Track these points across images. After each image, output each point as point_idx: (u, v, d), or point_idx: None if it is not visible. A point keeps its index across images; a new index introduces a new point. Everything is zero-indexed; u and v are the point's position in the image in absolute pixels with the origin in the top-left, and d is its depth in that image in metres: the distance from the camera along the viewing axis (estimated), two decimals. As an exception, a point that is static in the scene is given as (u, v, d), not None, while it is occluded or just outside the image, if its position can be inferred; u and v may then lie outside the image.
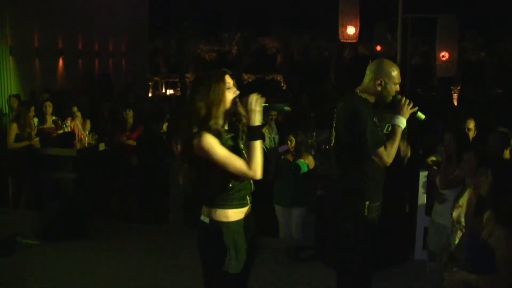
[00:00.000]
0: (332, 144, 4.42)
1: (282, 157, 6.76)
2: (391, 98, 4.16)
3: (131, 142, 8.85)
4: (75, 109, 9.34)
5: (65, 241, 6.69)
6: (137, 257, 6.39)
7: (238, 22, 27.15)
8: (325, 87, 19.54)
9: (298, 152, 6.66)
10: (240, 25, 27.44)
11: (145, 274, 5.92)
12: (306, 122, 9.39)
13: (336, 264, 4.78)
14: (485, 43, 25.88)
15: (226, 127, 3.28)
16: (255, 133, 3.20)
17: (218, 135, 3.18)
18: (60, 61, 13.95)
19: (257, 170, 3.20)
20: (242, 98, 3.26)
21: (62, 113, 9.40)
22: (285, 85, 25.92)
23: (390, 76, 4.11)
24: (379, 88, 4.13)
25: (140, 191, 8.57)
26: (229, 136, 3.27)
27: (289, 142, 6.64)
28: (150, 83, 25.05)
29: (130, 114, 9.07)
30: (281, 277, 5.88)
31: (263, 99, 3.22)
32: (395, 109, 4.14)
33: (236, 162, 3.18)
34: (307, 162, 6.58)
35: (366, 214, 4.20)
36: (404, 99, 4.12)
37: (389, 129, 4.22)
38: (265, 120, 7.61)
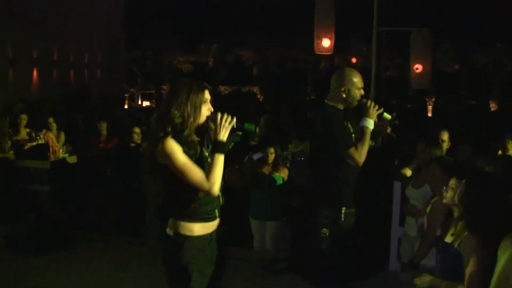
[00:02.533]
0: (309, 155, 4.58)
1: (258, 169, 6.72)
2: (356, 102, 4.40)
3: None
4: (51, 120, 9.25)
5: (40, 254, 6.60)
6: (113, 270, 6.32)
7: (214, 33, 27.15)
8: (303, 98, 19.66)
9: (276, 165, 6.63)
10: (217, 36, 27.44)
11: (122, 287, 5.85)
12: (284, 134, 9.38)
13: (312, 274, 4.83)
14: (458, 55, 26.23)
15: (194, 138, 3.27)
16: (219, 147, 3.21)
17: (185, 143, 3.16)
18: (35, 72, 13.82)
19: (214, 183, 3.16)
20: (212, 113, 3.27)
21: (37, 124, 9.31)
22: (261, 97, 25.96)
23: (352, 82, 4.38)
24: (344, 95, 4.38)
25: (115, 203, 8.49)
26: (195, 147, 3.25)
27: (269, 155, 6.55)
28: (126, 95, 24.92)
29: (104, 126, 9.02)
30: (257, 289, 5.87)
31: (235, 119, 3.24)
32: (362, 112, 4.35)
33: (194, 172, 3.14)
34: (282, 175, 6.56)
35: (343, 219, 4.31)
36: (369, 102, 4.36)
37: None
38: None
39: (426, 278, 3.34)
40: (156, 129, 3.20)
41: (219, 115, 3.22)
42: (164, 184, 3.24)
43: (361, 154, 4.26)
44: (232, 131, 3.26)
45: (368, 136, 4.30)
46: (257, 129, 3.44)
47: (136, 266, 6.44)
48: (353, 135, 4.41)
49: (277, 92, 23.73)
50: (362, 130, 4.33)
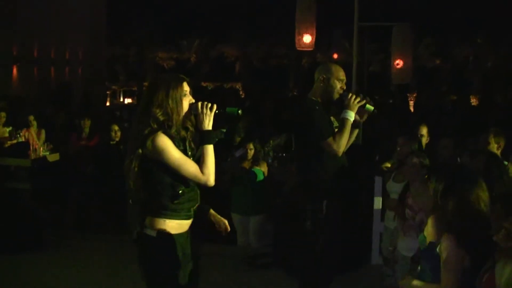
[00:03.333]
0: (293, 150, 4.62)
1: (239, 164, 6.75)
2: (337, 94, 4.43)
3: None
4: (31, 118, 9.18)
5: (21, 253, 6.55)
6: (95, 268, 6.29)
7: (197, 29, 27.07)
8: (285, 94, 19.66)
9: (256, 160, 6.66)
10: (199, 32, 27.37)
11: (104, 285, 5.84)
12: (266, 129, 9.40)
13: (296, 268, 4.85)
14: (440, 50, 26.41)
15: (182, 132, 3.24)
16: (207, 137, 3.19)
17: (174, 138, 3.14)
18: (15, 69, 13.67)
19: (210, 174, 3.17)
20: (193, 104, 3.25)
21: (17, 122, 9.23)
22: (243, 93, 25.94)
23: (331, 72, 4.43)
24: (322, 84, 4.43)
25: (97, 200, 8.45)
26: (183, 142, 3.23)
27: (249, 151, 6.60)
28: (108, 92, 24.76)
29: (87, 124, 8.96)
30: (240, 284, 5.87)
31: (215, 105, 3.22)
32: (343, 104, 4.38)
33: (189, 165, 3.13)
34: (263, 169, 6.59)
35: (324, 212, 4.37)
36: (350, 94, 4.39)
37: None
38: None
39: (411, 281, 3.33)
40: (139, 128, 3.15)
41: (199, 104, 3.20)
42: (148, 181, 3.19)
43: (339, 144, 4.30)
44: (215, 117, 3.23)
45: (348, 127, 4.32)
46: (240, 112, 3.40)
47: (117, 264, 6.41)
48: (336, 129, 4.44)
49: (259, 88, 23.70)
50: (342, 121, 4.36)
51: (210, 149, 3.18)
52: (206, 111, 3.18)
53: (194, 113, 3.23)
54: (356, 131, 4.53)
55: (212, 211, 3.54)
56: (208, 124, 3.19)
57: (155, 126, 3.11)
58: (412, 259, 4.02)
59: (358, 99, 4.36)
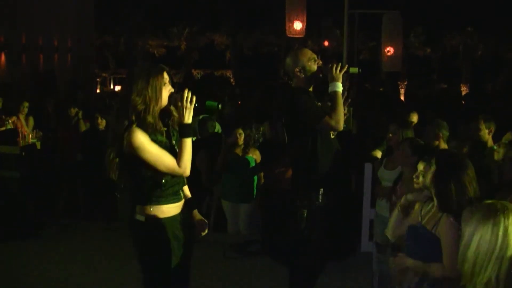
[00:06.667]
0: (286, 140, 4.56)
1: (231, 152, 6.72)
2: (319, 73, 4.38)
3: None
4: (26, 104, 9.13)
5: (11, 240, 6.53)
6: (85, 256, 6.28)
7: (186, 17, 26.91)
8: (275, 81, 19.64)
9: (247, 147, 6.64)
10: (189, 20, 27.21)
11: (94, 273, 5.82)
12: (258, 116, 9.37)
13: (287, 256, 4.85)
14: (430, 38, 26.44)
15: (160, 123, 3.26)
16: (186, 130, 3.22)
17: (151, 130, 3.17)
18: (3, 56, 13.55)
19: (186, 167, 3.24)
20: (173, 95, 3.26)
21: (5, 109, 9.16)
22: (234, 81, 25.87)
23: (301, 60, 4.37)
24: (302, 75, 4.37)
25: (86, 188, 8.41)
26: (161, 132, 3.26)
27: (238, 135, 6.57)
28: (98, 79, 24.60)
29: (74, 111, 8.90)
30: (230, 271, 5.88)
31: (194, 97, 3.22)
32: (328, 78, 4.32)
33: (165, 160, 3.19)
34: (255, 157, 6.58)
35: (320, 200, 4.30)
36: (330, 65, 4.32)
37: None
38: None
39: (403, 259, 3.36)
40: (119, 118, 3.19)
41: (179, 96, 3.21)
42: (130, 171, 3.25)
43: (337, 120, 4.21)
44: (195, 110, 3.24)
45: (339, 100, 4.25)
46: (220, 106, 3.39)
47: (107, 250, 6.40)
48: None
49: (249, 76, 23.65)
50: (332, 96, 4.29)
51: (188, 142, 3.22)
52: (186, 104, 3.19)
53: (174, 104, 3.25)
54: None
55: (195, 211, 3.61)
56: (188, 117, 3.21)
57: (133, 117, 3.13)
58: (392, 246, 4.03)
59: (339, 67, 4.30)
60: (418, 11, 22.12)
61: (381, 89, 19.72)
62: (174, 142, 3.32)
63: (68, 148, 8.63)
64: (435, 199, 3.22)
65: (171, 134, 3.34)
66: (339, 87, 4.27)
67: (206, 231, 3.58)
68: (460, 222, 2.64)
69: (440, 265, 3.14)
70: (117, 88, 27.09)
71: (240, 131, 6.57)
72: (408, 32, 23.10)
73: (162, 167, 3.18)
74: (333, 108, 4.24)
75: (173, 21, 27.33)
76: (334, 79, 4.27)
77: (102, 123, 8.05)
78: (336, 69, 4.28)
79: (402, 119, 6.30)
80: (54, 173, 8.66)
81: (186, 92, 3.20)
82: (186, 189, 3.50)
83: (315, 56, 4.41)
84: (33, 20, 14.41)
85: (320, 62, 4.41)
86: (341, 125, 4.26)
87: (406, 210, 3.57)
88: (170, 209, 3.29)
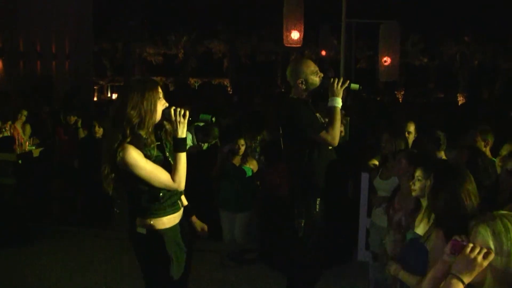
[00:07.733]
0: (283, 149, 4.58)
1: (228, 161, 6.71)
2: (320, 87, 4.38)
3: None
4: (25, 112, 9.12)
5: (6, 247, 6.52)
6: (80, 263, 6.28)
7: (184, 25, 26.96)
8: (273, 90, 19.66)
9: (245, 157, 6.63)
10: (187, 28, 27.25)
11: (89, 279, 5.82)
12: (257, 125, 9.37)
13: (284, 264, 4.86)
14: (427, 48, 26.51)
15: (153, 137, 3.25)
16: (180, 145, 3.23)
17: (145, 145, 3.16)
18: (0, 63, 13.55)
19: (181, 182, 3.24)
20: (166, 109, 3.26)
21: (2, 116, 9.14)
22: (231, 89, 25.89)
23: (304, 72, 4.36)
24: (303, 86, 4.37)
25: (82, 195, 8.40)
26: (155, 145, 3.24)
27: (240, 146, 6.54)
28: (95, 87, 24.60)
29: (72, 119, 8.90)
30: (227, 279, 5.88)
31: (188, 112, 3.22)
32: (329, 92, 4.32)
33: (159, 176, 3.19)
34: (252, 167, 6.57)
35: (317, 210, 4.32)
36: (332, 79, 4.32)
37: None
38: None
39: (397, 271, 3.35)
40: (113, 131, 3.17)
41: (172, 112, 3.20)
42: (126, 186, 3.26)
43: (333, 136, 4.24)
44: (189, 123, 3.24)
45: (337, 115, 4.26)
46: (213, 119, 3.40)
47: (103, 258, 6.39)
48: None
49: (247, 85, 23.66)
50: (330, 111, 4.29)
51: (182, 157, 3.23)
52: (179, 119, 3.19)
53: (167, 118, 3.25)
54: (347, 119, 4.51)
55: (194, 217, 3.65)
56: (182, 132, 3.22)
57: (128, 131, 3.11)
58: (388, 255, 4.04)
59: (341, 82, 4.30)
60: (415, 20, 22.20)
61: (378, 98, 19.77)
62: (167, 153, 3.31)
63: (66, 155, 8.62)
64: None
65: (165, 146, 3.33)
66: (339, 103, 4.28)
67: (206, 234, 3.64)
68: (451, 238, 2.55)
69: (421, 278, 3.04)
70: (114, 96, 27.08)
71: (242, 141, 6.56)
72: (405, 41, 23.18)
73: (156, 183, 3.18)
74: (331, 124, 4.26)
75: (171, 29, 27.38)
76: (334, 94, 4.28)
77: (99, 131, 8.04)
78: (337, 84, 4.28)
79: (395, 128, 6.28)
80: (50, 179, 8.65)
81: (178, 108, 3.20)
82: (182, 197, 3.51)
83: (317, 69, 4.41)
84: (31, 27, 14.41)
85: (321, 75, 4.41)
86: (336, 141, 4.29)
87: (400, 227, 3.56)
88: (170, 220, 3.31)
